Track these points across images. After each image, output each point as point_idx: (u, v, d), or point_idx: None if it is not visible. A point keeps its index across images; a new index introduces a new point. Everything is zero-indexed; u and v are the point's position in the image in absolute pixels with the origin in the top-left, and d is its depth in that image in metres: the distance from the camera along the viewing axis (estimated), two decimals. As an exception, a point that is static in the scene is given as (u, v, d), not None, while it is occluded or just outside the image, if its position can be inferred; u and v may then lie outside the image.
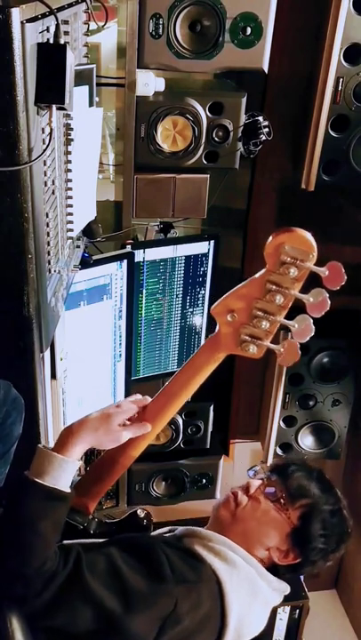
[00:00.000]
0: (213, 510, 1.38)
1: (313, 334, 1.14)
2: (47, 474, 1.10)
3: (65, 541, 1.15)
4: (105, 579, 1.10)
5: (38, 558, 1.05)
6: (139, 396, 1.27)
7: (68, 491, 1.12)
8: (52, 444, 1.19)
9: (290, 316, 1.16)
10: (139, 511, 1.30)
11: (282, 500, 1.33)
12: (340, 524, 1.36)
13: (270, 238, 1.11)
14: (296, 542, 1.32)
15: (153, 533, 1.35)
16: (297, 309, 1.15)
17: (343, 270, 1.09)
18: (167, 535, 1.35)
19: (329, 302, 1.11)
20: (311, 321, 1.13)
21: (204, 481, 2.86)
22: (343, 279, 1.09)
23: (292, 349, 1.15)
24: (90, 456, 2.40)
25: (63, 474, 1.11)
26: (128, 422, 1.23)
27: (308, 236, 1.11)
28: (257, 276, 1.15)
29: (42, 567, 1.05)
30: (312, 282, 1.13)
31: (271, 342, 1.18)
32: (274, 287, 1.12)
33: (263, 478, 1.39)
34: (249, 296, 1.15)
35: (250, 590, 1.27)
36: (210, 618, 1.20)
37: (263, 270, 1.14)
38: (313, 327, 1.13)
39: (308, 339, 1.14)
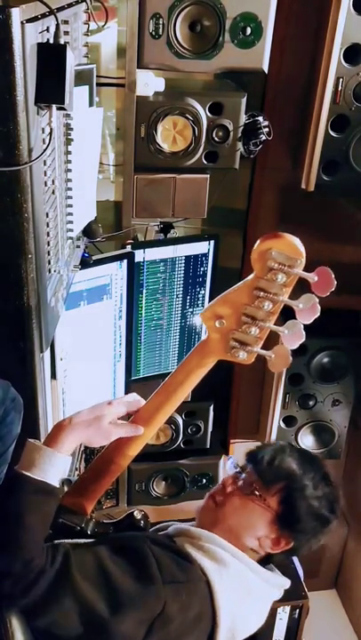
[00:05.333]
0: (196, 515, 1.37)
1: (304, 340, 1.11)
2: (36, 467, 1.09)
3: (56, 541, 1.14)
4: (93, 579, 1.10)
5: (26, 554, 1.04)
6: (134, 397, 1.26)
7: (57, 485, 1.11)
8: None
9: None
10: (135, 512, 1.29)
11: (256, 492, 1.31)
12: (327, 494, 1.32)
13: (257, 243, 1.09)
14: (284, 527, 1.30)
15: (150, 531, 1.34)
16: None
17: (333, 276, 1.06)
18: (159, 534, 1.34)
19: (319, 308, 1.09)
20: (302, 326, 1.11)
21: (204, 481, 2.86)
22: (333, 285, 1.06)
23: (282, 355, 1.13)
24: (89, 456, 2.40)
25: (52, 468, 1.10)
26: (120, 421, 1.23)
27: (296, 241, 1.08)
28: (245, 281, 1.13)
29: (30, 563, 1.04)
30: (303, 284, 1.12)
31: (262, 347, 1.16)
32: (262, 293, 1.10)
33: (236, 472, 1.37)
34: (237, 302, 1.13)
35: (242, 588, 1.26)
36: (200, 618, 1.19)
37: (251, 275, 1.12)
38: (303, 333, 1.11)
39: (298, 345, 1.12)
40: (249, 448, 1.42)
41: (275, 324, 1.14)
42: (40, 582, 1.05)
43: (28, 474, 1.09)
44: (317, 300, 1.09)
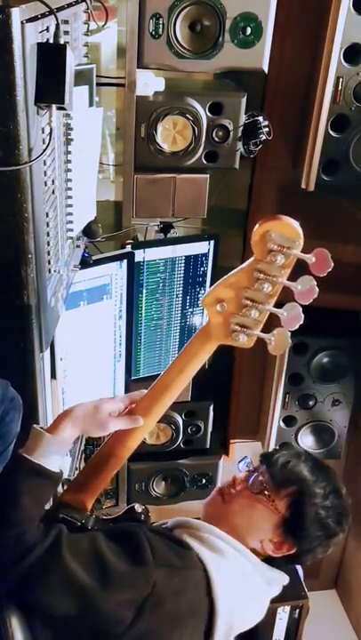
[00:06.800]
0: (203, 508, 1.37)
1: (302, 322, 1.13)
2: (35, 451, 1.12)
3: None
4: (83, 558, 1.11)
5: (18, 530, 1.07)
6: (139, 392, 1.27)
7: (55, 470, 1.13)
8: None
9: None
10: (136, 506, 1.29)
11: (266, 492, 1.30)
12: (336, 506, 1.31)
13: (257, 226, 1.11)
14: (288, 532, 1.29)
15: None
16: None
17: (330, 256, 1.08)
18: (161, 527, 1.34)
19: (317, 290, 1.10)
20: (300, 309, 1.12)
21: (203, 481, 2.87)
22: (330, 265, 1.08)
23: (281, 338, 1.14)
24: (89, 455, 2.40)
25: (51, 454, 1.13)
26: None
27: (295, 223, 1.10)
28: (245, 265, 1.15)
29: (21, 537, 1.06)
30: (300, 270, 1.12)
31: (262, 331, 1.17)
32: (262, 275, 1.12)
33: (248, 471, 1.37)
34: (238, 285, 1.15)
35: (240, 580, 1.25)
36: (197, 605, 1.18)
37: (251, 259, 1.14)
38: (302, 315, 1.12)
39: (297, 326, 1.13)
40: (249, 448, 1.42)
41: (274, 307, 1.16)
42: (29, 556, 1.06)
43: (27, 456, 1.12)
44: (315, 283, 1.10)
